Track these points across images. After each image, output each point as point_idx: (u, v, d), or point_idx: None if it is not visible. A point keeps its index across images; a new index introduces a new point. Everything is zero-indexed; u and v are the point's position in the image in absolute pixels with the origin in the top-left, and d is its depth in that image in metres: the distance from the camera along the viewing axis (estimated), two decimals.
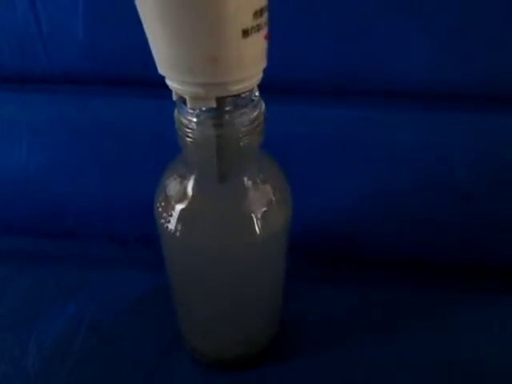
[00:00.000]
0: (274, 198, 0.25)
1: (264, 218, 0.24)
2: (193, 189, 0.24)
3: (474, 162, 0.36)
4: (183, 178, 0.24)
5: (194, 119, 0.21)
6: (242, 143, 0.22)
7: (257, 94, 0.22)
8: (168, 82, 0.20)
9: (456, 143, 0.36)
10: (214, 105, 0.20)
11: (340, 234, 0.39)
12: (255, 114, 0.22)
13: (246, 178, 0.24)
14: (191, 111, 0.21)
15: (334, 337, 0.33)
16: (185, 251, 0.26)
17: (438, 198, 0.37)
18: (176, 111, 0.22)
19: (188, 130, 0.21)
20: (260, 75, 0.21)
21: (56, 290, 0.37)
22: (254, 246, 0.25)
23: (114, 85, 0.39)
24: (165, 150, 0.35)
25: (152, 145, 0.38)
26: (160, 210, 0.25)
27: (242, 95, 0.21)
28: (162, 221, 0.25)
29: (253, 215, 0.24)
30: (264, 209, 0.25)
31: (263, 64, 0.20)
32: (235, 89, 0.20)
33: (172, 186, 0.25)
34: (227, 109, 0.21)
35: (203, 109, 0.21)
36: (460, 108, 0.37)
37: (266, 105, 0.23)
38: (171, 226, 0.24)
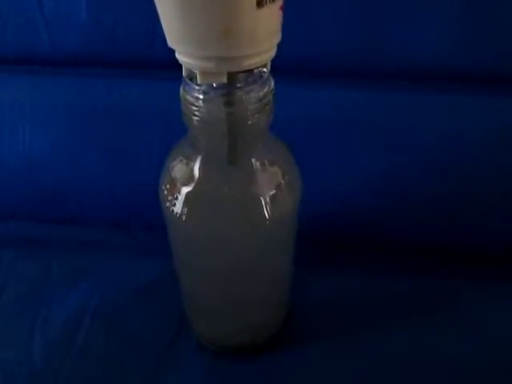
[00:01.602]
0: (282, 181, 0.24)
1: (272, 201, 0.24)
2: (199, 171, 0.23)
3: (485, 144, 0.35)
4: (189, 160, 0.24)
5: (201, 96, 0.20)
6: (250, 122, 0.21)
7: (265, 70, 0.21)
8: (178, 56, 0.19)
9: (467, 126, 0.36)
10: (225, 80, 0.19)
11: (348, 219, 0.38)
12: (265, 90, 0.21)
13: (253, 160, 0.23)
14: (197, 87, 0.20)
15: (342, 325, 0.33)
16: (191, 235, 0.25)
17: (447, 182, 0.36)
18: (182, 89, 0.21)
19: (195, 109, 0.21)
20: (274, 50, 0.20)
21: (60, 277, 0.37)
22: (262, 230, 0.25)
23: (117, 67, 0.38)
24: (170, 133, 0.34)
25: (157, 128, 0.38)
26: (165, 192, 0.24)
27: (254, 71, 0.20)
28: (168, 204, 0.24)
29: (261, 198, 0.23)
30: (272, 192, 0.24)
31: (278, 38, 0.19)
32: (248, 64, 0.19)
33: (178, 168, 0.24)
34: (238, 85, 0.20)
35: (214, 85, 0.20)
36: (471, 90, 0.36)
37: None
38: (177, 209, 0.24)
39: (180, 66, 0.21)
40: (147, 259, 0.37)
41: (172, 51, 0.20)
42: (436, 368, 0.30)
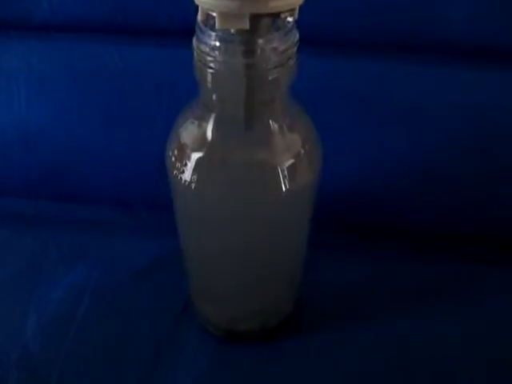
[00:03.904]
0: (302, 151, 0.23)
1: (291, 171, 0.22)
2: (211, 133, 0.21)
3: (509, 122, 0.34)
4: (201, 121, 0.22)
5: (218, 44, 0.18)
6: (270, 77, 0.19)
7: (290, 19, 0.19)
8: None
9: (493, 103, 0.34)
10: (247, 26, 0.17)
11: (363, 202, 0.37)
12: (289, 42, 0.19)
13: (271, 122, 0.21)
14: (213, 33, 0.18)
15: (353, 310, 0.32)
16: (200, 206, 0.23)
17: (471, 163, 0.35)
18: (194, 39, 0.19)
19: (209, 59, 0.18)
20: None
21: (57, 256, 0.35)
22: (278, 203, 0.23)
23: (119, 33, 0.37)
24: (176, 103, 0.33)
25: (161, 98, 0.36)
26: (173, 159, 0.23)
27: (281, 16, 0.17)
28: (175, 172, 0.22)
29: (278, 167, 0.22)
30: (291, 161, 0.22)
31: None
32: (275, 5, 0.16)
33: (188, 131, 0.22)
34: (260, 33, 0.18)
35: (231, 32, 0.18)
36: (497, 65, 0.34)
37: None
38: (185, 176, 0.22)
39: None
40: (150, 239, 0.36)
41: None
42: (447, 352, 0.30)
